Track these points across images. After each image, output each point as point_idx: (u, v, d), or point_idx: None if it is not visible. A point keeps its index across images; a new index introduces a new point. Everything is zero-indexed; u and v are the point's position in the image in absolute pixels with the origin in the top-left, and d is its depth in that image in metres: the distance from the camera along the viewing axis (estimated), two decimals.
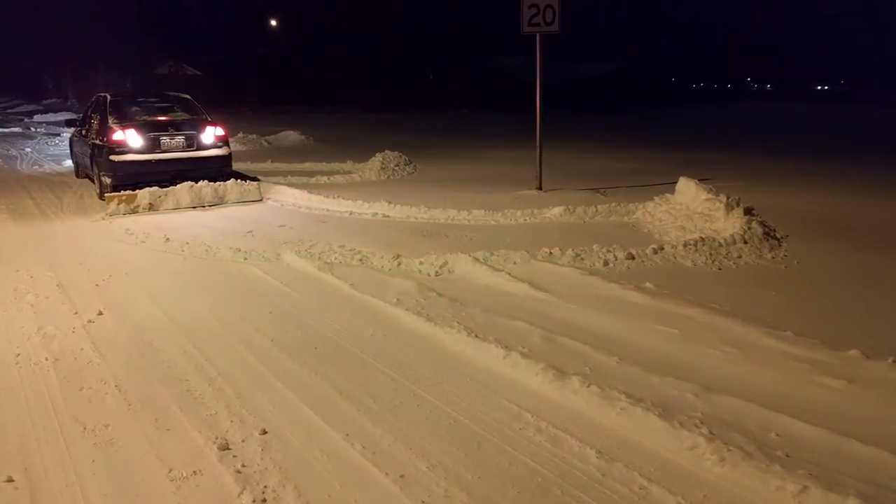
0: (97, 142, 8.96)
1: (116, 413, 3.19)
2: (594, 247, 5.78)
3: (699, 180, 7.71)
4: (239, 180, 8.95)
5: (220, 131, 9.32)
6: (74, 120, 11.36)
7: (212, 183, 8.64)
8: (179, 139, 8.98)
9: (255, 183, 9.15)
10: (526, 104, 10.70)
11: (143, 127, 8.83)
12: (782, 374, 3.39)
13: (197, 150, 9.07)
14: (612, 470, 2.65)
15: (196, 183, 8.58)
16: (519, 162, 11.73)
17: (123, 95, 10.37)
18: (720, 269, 5.41)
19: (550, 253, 5.69)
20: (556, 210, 7.67)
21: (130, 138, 8.63)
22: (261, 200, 8.88)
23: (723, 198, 6.80)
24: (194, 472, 2.68)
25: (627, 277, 5.08)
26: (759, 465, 2.58)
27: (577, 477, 2.62)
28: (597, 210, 7.72)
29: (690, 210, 6.96)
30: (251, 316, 4.53)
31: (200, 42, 40.63)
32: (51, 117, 26.06)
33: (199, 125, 9.26)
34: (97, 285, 5.27)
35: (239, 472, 2.67)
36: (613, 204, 7.93)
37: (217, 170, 9.17)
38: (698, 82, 54.60)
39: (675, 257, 5.62)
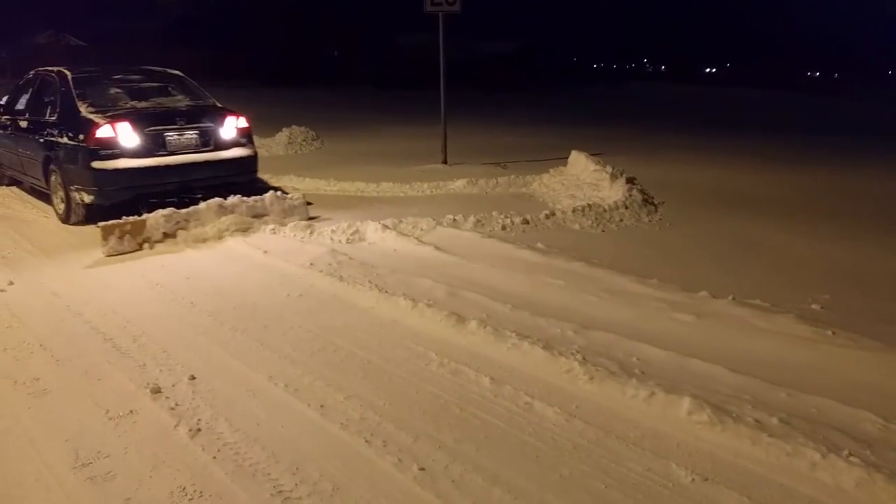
0: (61, 139, 6.17)
1: (45, 368, 3.37)
2: (494, 213, 6.29)
3: (590, 154, 8.43)
4: (278, 193, 6.39)
5: (242, 122, 6.72)
6: None
7: (246, 199, 6.03)
8: (191, 135, 6.34)
9: (300, 198, 6.45)
10: (430, 81, 11.10)
11: (140, 119, 6.12)
12: (645, 313, 4.02)
13: (214, 149, 6.47)
14: (503, 391, 3.15)
15: (226, 199, 5.92)
16: (424, 137, 12.12)
17: (90, 72, 7.01)
18: (604, 231, 6.07)
19: (454, 220, 6.15)
20: (460, 182, 8.15)
21: (124, 136, 5.93)
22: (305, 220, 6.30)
23: (608, 169, 7.51)
24: (130, 411, 2.95)
25: (522, 239, 5.63)
26: (620, 381, 3.14)
27: (473, 398, 3.10)
28: (497, 182, 8.26)
29: (580, 180, 7.63)
30: (168, 281, 4.72)
31: (85, 10, 38.15)
32: None
33: (215, 115, 6.65)
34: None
35: (173, 409, 2.96)
36: (513, 176, 8.50)
37: (242, 177, 6.72)
38: (598, 62, 56.85)
39: (564, 222, 6.23)
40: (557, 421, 2.89)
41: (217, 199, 5.84)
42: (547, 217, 6.28)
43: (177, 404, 3.00)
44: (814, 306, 4.19)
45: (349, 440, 2.75)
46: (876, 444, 2.65)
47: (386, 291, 4.36)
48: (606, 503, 2.37)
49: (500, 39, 37.94)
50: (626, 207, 6.59)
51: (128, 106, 6.38)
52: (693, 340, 3.66)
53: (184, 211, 5.65)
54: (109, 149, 5.89)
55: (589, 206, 6.55)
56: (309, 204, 6.59)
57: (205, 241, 5.59)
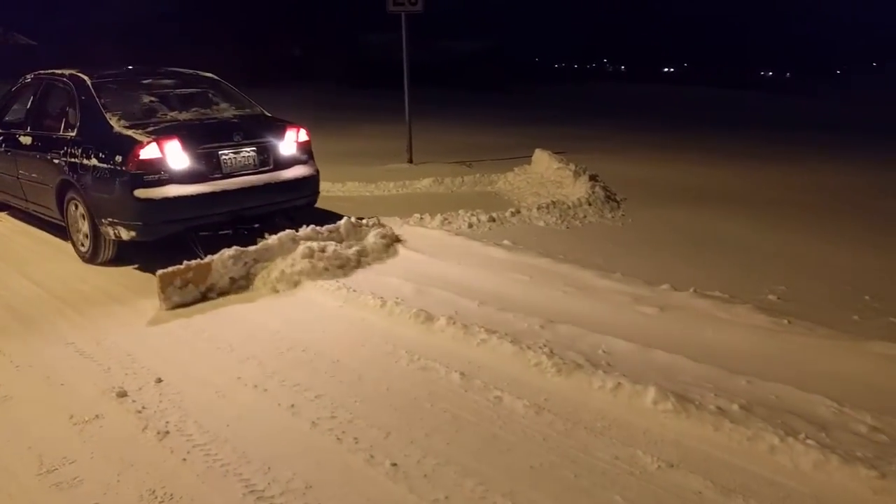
0: (86, 161, 4.89)
1: (3, 373, 3.29)
2: (460, 212, 6.33)
3: (553, 152, 8.54)
4: (353, 218, 5.41)
5: (303, 136, 5.64)
6: None
7: (320, 228, 5.12)
8: (248, 153, 5.21)
9: (375, 221, 5.57)
10: (395, 81, 11.09)
11: (191, 135, 4.95)
12: (610, 306, 4.10)
13: (274, 169, 5.36)
14: (473, 386, 3.18)
15: (297, 232, 4.95)
16: (389, 137, 12.12)
17: (112, 75, 5.63)
18: (568, 227, 6.16)
19: (421, 218, 6.17)
20: (426, 181, 8.18)
21: (173, 156, 4.75)
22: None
23: (572, 167, 7.62)
24: (96, 416, 2.89)
25: (489, 236, 5.68)
26: (587, 372, 3.21)
27: (443, 393, 3.13)
28: (463, 181, 8.31)
29: (544, 178, 7.73)
30: (124, 280, 4.67)
31: (38, 7, 36.98)
32: None
33: (272, 128, 5.52)
34: None
35: (140, 412, 2.92)
36: (478, 175, 8.56)
37: (304, 200, 5.69)
38: (560, 62, 57.50)
39: (530, 219, 6.30)
40: (527, 414, 2.93)
41: (289, 232, 4.87)
42: (512, 214, 6.35)
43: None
44: (771, 297, 4.33)
45: (320, 438, 2.75)
46: (830, 427, 2.76)
47: (354, 290, 4.36)
48: (576, 492, 2.42)
49: (465, 39, 38.08)
50: (590, 204, 6.69)
51: (168, 118, 5.21)
52: (656, 332, 3.75)
53: (252, 249, 4.63)
54: (156, 173, 4.67)
55: (553, 203, 6.64)
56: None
57: (294, 285, 4.52)
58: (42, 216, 5.86)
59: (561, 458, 2.62)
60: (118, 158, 4.68)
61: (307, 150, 5.70)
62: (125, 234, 4.77)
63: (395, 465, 2.56)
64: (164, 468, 2.55)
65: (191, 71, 6.21)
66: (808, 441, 2.62)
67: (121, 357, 3.51)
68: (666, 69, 63.15)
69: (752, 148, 11.62)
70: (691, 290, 4.29)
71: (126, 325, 3.97)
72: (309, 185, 5.65)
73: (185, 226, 4.86)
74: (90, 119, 5.07)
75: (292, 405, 3.01)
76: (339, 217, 5.42)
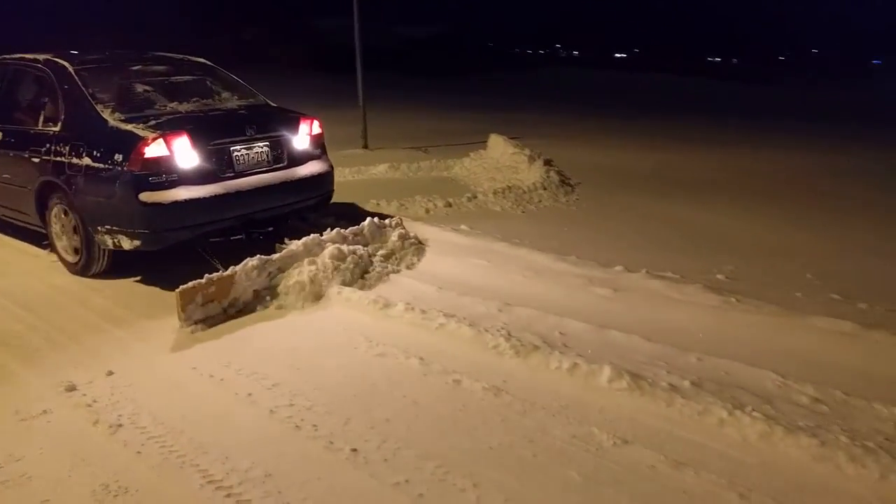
0: (76, 160, 4.28)
1: None
2: (416, 197, 6.33)
3: (508, 137, 8.58)
4: (375, 219, 4.92)
5: (316, 128, 5.09)
6: None
7: (344, 231, 4.64)
8: (262, 149, 4.64)
9: (398, 220, 5.14)
10: (348, 66, 10.95)
11: (201, 129, 4.38)
12: (566, 289, 4.17)
13: (288, 166, 4.81)
14: (432, 370, 3.20)
15: (322, 235, 4.46)
16: (344, 122, 11.93)
17: (96, 60, 4.95)
18: (524, 212, 6.22)
19: (378, 204, 6.14)
20: (382, 167, 8.13)
21: (182, 154, 4.17)
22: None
23: (526, 152, 7.69)
24: (44, 411, 2.80)
25: (446, 221, 5.69)
26: (545, 353, 3.25)
27: (402, 378, 3.13)
28: (419, 166, 8.29)
29: (500, 163, 7.77)
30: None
31: None
32: None
33: (285, 120, 4.94)
34: None
35: (90, 406, 2.84)
36: (434, 160, 8.55)
37: (320, 200, 5.16)
38: (515, 48, 57.61)
39: (486, 204, 6.34)
40: (485, 396, 2.97)
41: (314, 236, 4.39)
42: (469, 200, 6.37)
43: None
44: (719, 276, 4.47)
45: (279, 426, 2.73)
46: (775, 400, 2.88)
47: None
48: (534, 470, 2.46)
49: (420, 24, 37.82)
50: (545, 188, 6.77)
51: (167, 110, 4.56)
52: (611, 313, 3.84)
53: (276, 257, 4.14)
54: (163, 174, 4.08)
55: (509, 188, 6.69)
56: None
57: (317, 298, 4.06)
58: (15, 222, 5.12)
59: (519, 438, 2.66)
60: (118, 157, 4.06)
61: (321, 144, 5.16)
62: (127, 244, 4.15)
63: (354, 450, 2.56)
64: (118, 462, 2.49)
65: (181, 56, 5.58)
66: (755, 413, 2.73)
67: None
68: (618, 55, 63.87)
69: (702, 133, 11.91)
70: (644, 271, 4.39)
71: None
72: (325, 183, 5.10)
73: (195, 233, 4.26)
74: (77, 112, 4.42)
75: (249, 394, 2.98)
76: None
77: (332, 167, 5.20)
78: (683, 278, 4.34)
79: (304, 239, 4.35)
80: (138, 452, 2.55)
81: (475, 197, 6.45)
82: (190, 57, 5.61)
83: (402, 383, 3.09)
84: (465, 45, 39.49)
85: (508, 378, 3.13)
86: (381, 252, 4.66)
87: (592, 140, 10.79)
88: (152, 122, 4.24)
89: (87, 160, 4.21)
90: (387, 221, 4.95)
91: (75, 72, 4.60)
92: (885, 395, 2.90)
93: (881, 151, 9.87)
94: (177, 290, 3.64)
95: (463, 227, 5.51)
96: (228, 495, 2.31)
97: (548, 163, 7.54)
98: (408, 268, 4.63)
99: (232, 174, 4.44)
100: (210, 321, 3.73)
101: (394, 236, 4.85)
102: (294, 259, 4.21)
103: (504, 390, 3.00)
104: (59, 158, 4.38)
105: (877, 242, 5.29)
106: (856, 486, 2.36)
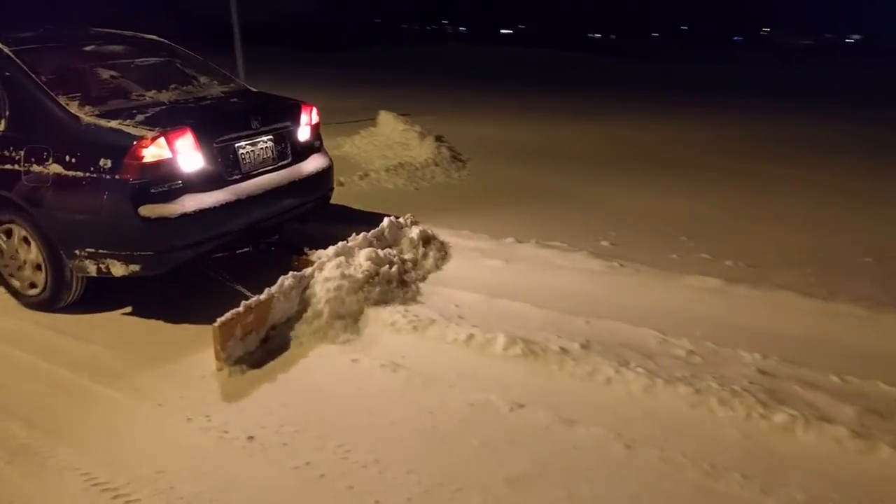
0: (36, 167, 3.34)
1: None
2: None
3: (398, 114, 8.53)
4: (392, 218, 4.36)
5: (315, 117, 4.41)
6: None
7: (367, 234, 4.05)
8: (266, 144, 3.90)
9: (410, 218, 4.55)
10: (225, 40, 10.42)
11: (202, 124, 3.54)
12: (460, 261, 4.24)
13: (293, 162, 4.10)
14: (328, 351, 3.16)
15: (347, 242, 3.88)
16: None
17: (37, 41, 3.91)
18: (417, 189, 6.23)
19: None
20: None
21: (186, 155, 3.38)
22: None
23: (417, 128, 7.68)
24: None
25: (337, 201, 5.59)
26: (441, 326, 3.30)
27: None
28: None
29: (391, 140, 7.72)
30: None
31: None
32: None
33: (285, 108, 4.23)
34: None
35: None
36: (323, 138, 8.34)
37: (323, 199, 4.45)
38: (402, 23, 57.14)
39: (378, 181, 6.30)
40: (384, 373, 2.97)
41: (342, 244, 3.81)
42: (361, 178, 6.30)
43: None
44: (603, 243, 4.71)
45: (169, 419, 2.61)
46: (656, 356, 3.09)
47: None
48: (436, 441, 2.51)
49: None
50: (437, 164, 6.81)
51: (147, 100, 3.73)
52: (503, 283, 3.95)
53: (310, 271, 3.52)
54: (166, 181, 3.27)
55: (401, 164, 6.68)
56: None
57: (356, 321, 3.42)
58: None
59: (419, 410, 2.69)
60: (104, 163, 3.18)
61: (319, 135, 4.48)
62: (120, 269, 3.30)
63: (251, 438, 2.50)
64: None
65: (130, 33, 4.59)
66: (638, 369, 2.91)
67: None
68: (504, 31, 64.89)
69: (591, 109, 12.36)
70: (533, 241, 4.54)
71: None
72: (328, 180, 4.41)
73: (204, 249, 3.46)
74: (29, 106, 3.47)
75: (136, 390, 2.82)
76: None
77: (332, 161, 4.51)
78: (570, 247, 4.53)
79: (333, 248, 3.76)
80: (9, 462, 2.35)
81: (367, 175, 6.39)
82: (141, 34, 4.66)
83: None
84: (350, 20, 38.64)
85: (407, 353, 3.15)
86: (408, 256, 4.13)
87: (484, 116, 10.95)
88: (140, 117, 3.37)
89: (55, 167, 3.27)
90: (401, 220, 4.40)
91: (14, 54, 3.57)
92: (748, 343, 3.19)
93: (744, 121, 10.68)
94: (215, 324, 2.92)
95: (356, 206, 5.45)
96: None
97: (439, 139, 7.58)
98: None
99: (239, 176, 3.66)
100: (249, 359, 3.06)
101: (412, 234, 4.28)
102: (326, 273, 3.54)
103: (402, 366, 3.02)
104: (6, 166, 3.41)
105: (745, 207, 5.74)
106: (726, 426, 2.59)
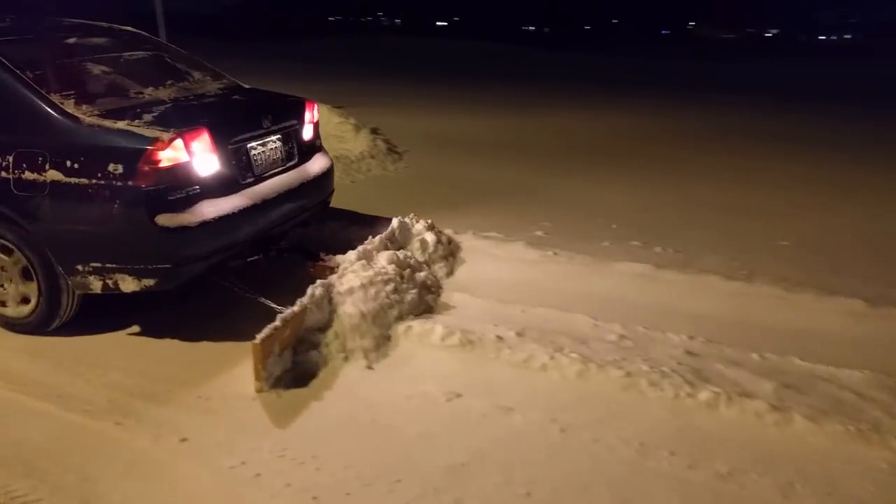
0: (30, 175, 2.97)
1: None
2: None
3: (333, 106, 8.41)
4: (402, 218, 4.22)
5: (316, 114, 4.15)
6: None
7: (384, 237, 3.91)
8: (275, 144, 3.68)
9: (422, 220, 4.33)
10: (150, 30, 10.02)
11: (216, 124, 3.25)
12: None
13: (299, 162, 3.88)
14: None
15: (367, 246, 3.72)
16: None
17: (11, 32, 3.50)
18: (353, 182, 6.18)
19: None
20: None
21: (202, 158, 3.10)
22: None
23: (352, 121, 7.60)
24: None
25: None
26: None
27: None
28: None
29: (326, 133, 7.58)
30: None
31: None
32: None
33: (289, 106, 3.98)
34: None
35: None
36: None
37: (325, 202, 4.22)
38: (334, 15, 56.39)
39: None
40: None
41: (361, 248, 3.64)
42: None
43: None
44: (538, 233, 4.79)
45: (95, 425, 2.51)
46: (589, 341, 3.17)
47: None
48: (372, 434, 2.51)
49: None
50: (373, 157, 6.77)
51: (147, 98, 3.45)
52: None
53: (335, 278, 3.30)
54: (184, 186, 3.02)
55: (336, 157, 6.58)
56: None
57: (385, 336, 3.19)
58: None
59: (357, 407, 2.68)
60: (114, 168, 2.88)
61: (319, 134, 4.25)
62: (131, 285, 3.02)
63: (184, 440, 2.43)
64: None
65: (107, 24, 4.22)
66: (572, 354, 2.98)
67: None
68: (439, 23, 64.92)
69: (529, 100, 12.51)
70: (470, 232, 4.58)
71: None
72: (330, 180, 4.19)
73: (220, 259, 3.21)
74: (15, 104, 3.06)
75: (58, 396, 2.71)
76: None
77: (332, 160, 4.31)
78: (507, 237, 4.59)
79: (353, 252, 3.57)
80: None
81: None
82: (118, 26, 4.30)
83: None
84: (278, 11, 37.84)
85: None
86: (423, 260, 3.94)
87: (419, 108, 10.93)
88: (148, 117, 3.07)
89: (53, 174, 2.93)
90: (408, 220, 4.22)
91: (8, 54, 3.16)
92: (675, 326, 3.32)
93: (679, 112, 11.05)
94: (254, 341, 2.70)
95: None
96: None
97: (374, 131, 7.53)
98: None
99: (252, 179, 3.43)
100: (287, 377, 2.85)
101: (426, 237, 4.09)
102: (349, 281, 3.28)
103: None
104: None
105: (674, 196, 5.94)
106: (656, 406, 2.69)
